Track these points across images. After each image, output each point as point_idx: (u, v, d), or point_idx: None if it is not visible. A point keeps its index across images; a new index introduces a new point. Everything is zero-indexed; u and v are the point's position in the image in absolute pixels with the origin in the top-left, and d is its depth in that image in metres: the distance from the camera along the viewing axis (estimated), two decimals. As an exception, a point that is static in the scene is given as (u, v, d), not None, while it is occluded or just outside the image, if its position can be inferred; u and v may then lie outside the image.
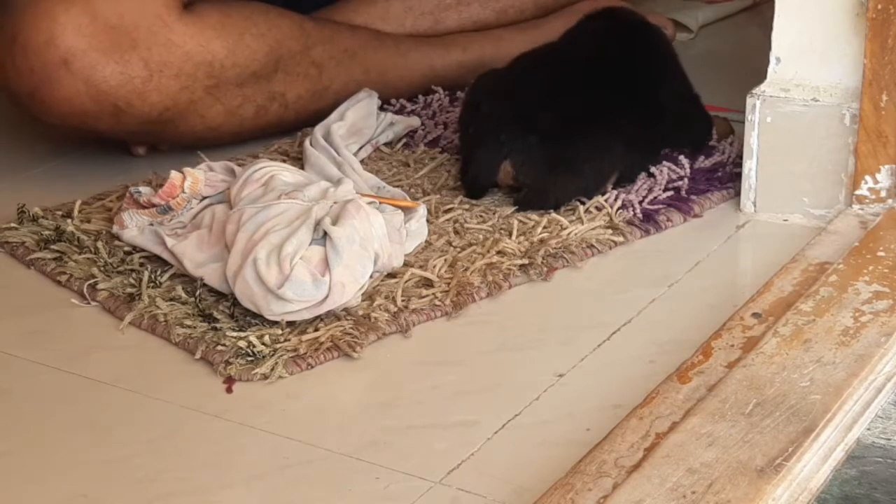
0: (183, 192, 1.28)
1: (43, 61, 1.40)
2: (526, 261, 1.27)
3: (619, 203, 1.36)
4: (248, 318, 1.15)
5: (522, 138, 1.35)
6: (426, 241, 1.30)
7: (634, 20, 1.52)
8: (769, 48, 1.36)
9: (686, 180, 1.42)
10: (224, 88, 1.49)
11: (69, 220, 1.34)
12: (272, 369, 1.09)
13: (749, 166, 1.37)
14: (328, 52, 1.59)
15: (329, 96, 1.58)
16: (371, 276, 1.18)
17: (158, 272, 1.24)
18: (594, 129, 1.37)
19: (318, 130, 1.50)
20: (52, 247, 1.30)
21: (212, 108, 1.50)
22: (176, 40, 1.45)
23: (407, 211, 1.29)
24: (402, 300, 1.19)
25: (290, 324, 1.14)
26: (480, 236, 1.31)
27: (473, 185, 1.40)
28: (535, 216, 1.35)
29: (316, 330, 1.14)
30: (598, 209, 1.36)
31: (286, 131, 1.58)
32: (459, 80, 1.69)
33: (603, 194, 1.38)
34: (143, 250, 1.28)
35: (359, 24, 1.67)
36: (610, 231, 1.32)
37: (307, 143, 1.47)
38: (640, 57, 1.47)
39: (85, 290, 1.23)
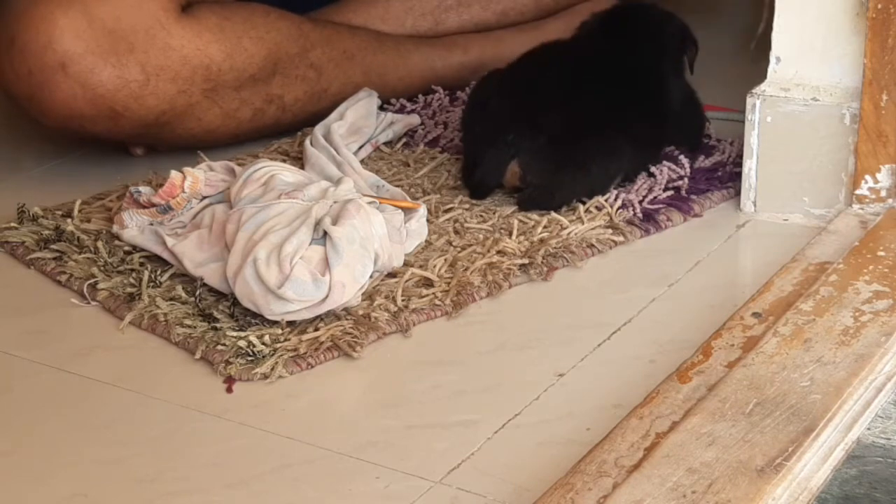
0: (183, 191, 1.28)
1: (41, 64, 1.40)
2: (526, 260, 1.27)
3: (619, 203, 1.36)
4: (248, 317, 1.15)
5: (531, 138, 1.35)
6: (426, 241, 1.30)
7: (644, 9, 1.52)
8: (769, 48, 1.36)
9: (686, 180, 1.42)
10: (221, 92, 1.49)
11: (69, 220, 1.34)
12: (272, 369, 1.09)
13: (749, 166, 1.37)
14: (327, 55, 1.58)
15: (327, 98, 1.58)
16: (371, 276, 1.18)
17: (158, 272, 1.24)
18: (603, 130, 1.37)
19: (319, 130, 1.50)
20: (52, 246, 1.30)
21: (209, 111, 1.49)
22: (173, 44, 1.44)
23: (407, 211, 1.29)
24: (403, 300, 1.19)
25: (290, 323, 1.14)
26: (480, 236, 1.31)
27: (479, 186, 1.40)
28: (535, 216, 1.34)
29: (316, 329, 1.14)
30: (598, 209, 1.36)
31: (283, 133, 1.58)
32: (460, 81, 1.68)
33: (603, 194, 1.38)
34: (143, 250, 1.28)
35: (358, 25, 1.67)
36: (610, 231, 1.32)
37: (307, 142, 1.47)
38: (647, 54, 1.46)
39: (85, 289, 1.23)
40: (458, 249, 1.29)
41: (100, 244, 1.29)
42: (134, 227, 1.29)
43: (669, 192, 1.40)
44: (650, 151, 1.44)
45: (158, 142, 1.53)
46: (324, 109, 1.55)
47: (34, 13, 1.40)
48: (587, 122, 1.36)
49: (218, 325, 1.15)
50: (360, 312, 1.17)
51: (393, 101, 1.65)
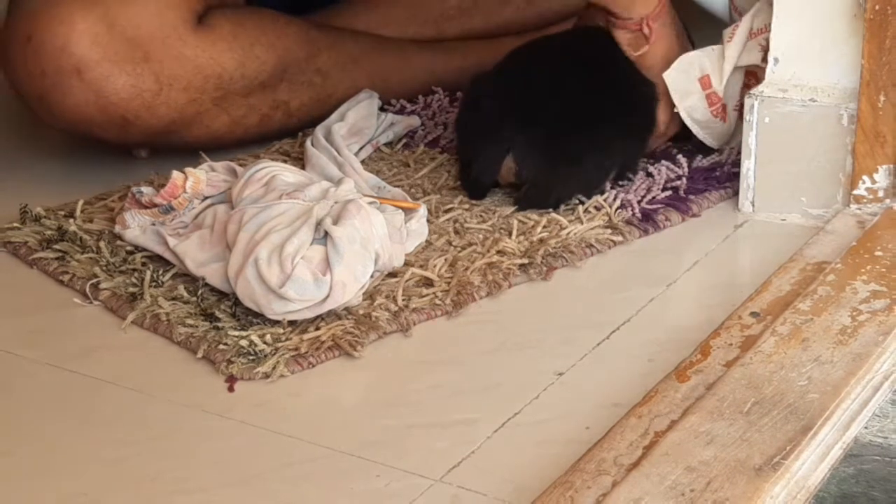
0: (185, 192, 1.28)
1: (55, 66, 1.39)
2: (526, 260, 1.27)
3: (617, 203, 1.37)
4: (249, 317, 1.16)
5: (525, 133, 1.35)
6: (426, 241, 1.30)
7: None
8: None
9: (684, 180, 1.42)
10: (230, 99, 1.49)
11: (71, 220, 1.34)
12: (274, 368, 1.10)
13: (747, 166, 1.37)
14: (333, 60, 1.59)
15: (332, 103, 1.58)
16: (372, 276, 1.18)
17: (160, 272, 1.24)
18: (595, 124, 1.37)
19: (320, 130, 1.50)
20: (55, 246, 1.30)
21: (217, 118, 1.49)
22: (188, 54, 1.44)
23: (407, 211, 1.29)
24: (403, 299, 1.20)
25: (292, 323, 1.15)
26: (480, 236, 1.32)
27: (476, 185, 1.40)
28: (534, 216, 1.35)
29: (317, 329, 1.15)
30: (597, 209, 1.36)
31: (286, 135, 1.58)
32: (460, 85, 1.69)
33: (602, 193, 1.38)
34: (145, 250, 1.28)
35: (360, 30, 1.67)
36: (609, 231, 1.33)
37: (308, 143, 1.48)
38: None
39: (87, 289, 1.23)
40: (458, 249, 1.29)
41: (102, 244, 1.29)
42: (136, 227, 1.30)
43: (668, 192, 1.40)
44: (643, 145, 1.44)
45: (165, 147, 1.53)
46: (328, 114, 1.55)
47: (53, 13, 1.38)
48: (579, 116, 1.37)
49: (220, 325, 1.15)
50: (361, 312, 1.17)
51: (393, 101, 1.66)
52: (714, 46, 1.43)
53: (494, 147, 1.37)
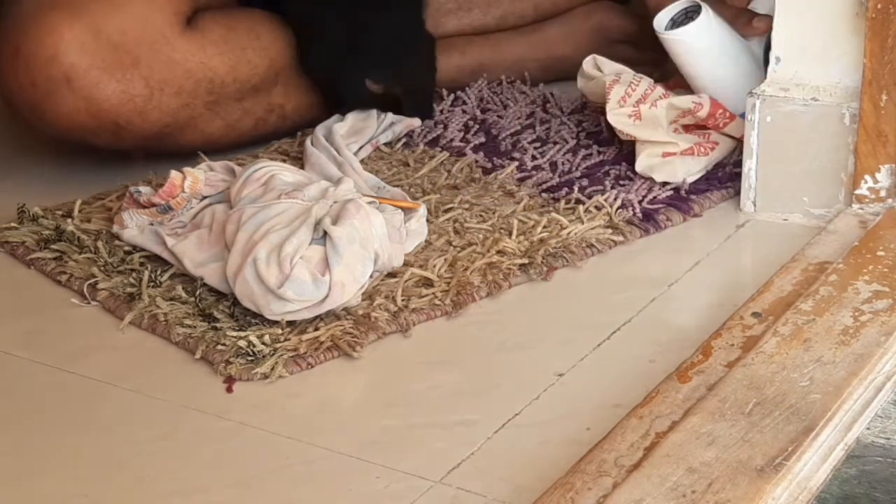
0: (183, 191, 1.28)
1: (45, 76, 1.39)
2: (526, 260, 1.27)
3: (618, 202, 1.37)
4: (248, 317, 1.16)
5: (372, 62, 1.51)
6: (426, 241, 1.30)
7: None
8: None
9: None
10: (224, 103, 1.49)
11: (69, 220, 1.34)
12: (272, 369, 1.09)
13: (749, 166, 1.37)
14: None
15: (327, 105, 1.57)
16: (371, 276, 1.18)
17: (158, 272, 1.24)
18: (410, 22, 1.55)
19: (320, 130, 1.50)
20: (53, 246, 1.30)
21: (211, 123, 1.49)
22: (177, 58, 1.44)
23: (407, 210, 1.29)
24: (402, 300, 1.19)
25: (290, 323, 1.15)
26: (480, 236, 1.31)
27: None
28: (534, 215, 1.35)
29: (316, 329, 1.14)
30: (598, 209, 1.36)
31: (283, 138, 1.58)
32: (457, 82, 1.68)
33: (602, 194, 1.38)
34: (143, 250, 1.28)
35: None
36: (610, 231, 1.32)
37: (308, 142, 1.47)
38: None
39: (85, 289, 1.23)
40: (458, 249, 1.29)
41: (100, 244, 1.29)
42: (134, 227, 1.29)
43: (669, 192, 1.40)
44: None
45: (159, 152, 1.52)
46: (324, 116, 1.55)
47: (40, 24, 1.38)
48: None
49: (218, 325, 1.15)
50: (360, 312, 1.17)
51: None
52: (638, 143, 1.43)
53: (353, 81, 1.51)
